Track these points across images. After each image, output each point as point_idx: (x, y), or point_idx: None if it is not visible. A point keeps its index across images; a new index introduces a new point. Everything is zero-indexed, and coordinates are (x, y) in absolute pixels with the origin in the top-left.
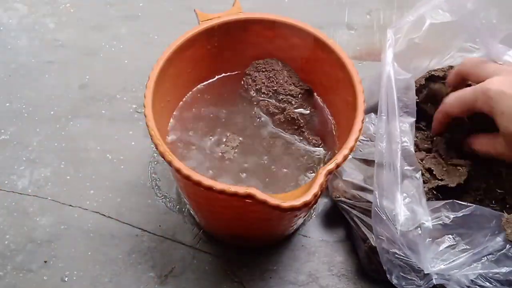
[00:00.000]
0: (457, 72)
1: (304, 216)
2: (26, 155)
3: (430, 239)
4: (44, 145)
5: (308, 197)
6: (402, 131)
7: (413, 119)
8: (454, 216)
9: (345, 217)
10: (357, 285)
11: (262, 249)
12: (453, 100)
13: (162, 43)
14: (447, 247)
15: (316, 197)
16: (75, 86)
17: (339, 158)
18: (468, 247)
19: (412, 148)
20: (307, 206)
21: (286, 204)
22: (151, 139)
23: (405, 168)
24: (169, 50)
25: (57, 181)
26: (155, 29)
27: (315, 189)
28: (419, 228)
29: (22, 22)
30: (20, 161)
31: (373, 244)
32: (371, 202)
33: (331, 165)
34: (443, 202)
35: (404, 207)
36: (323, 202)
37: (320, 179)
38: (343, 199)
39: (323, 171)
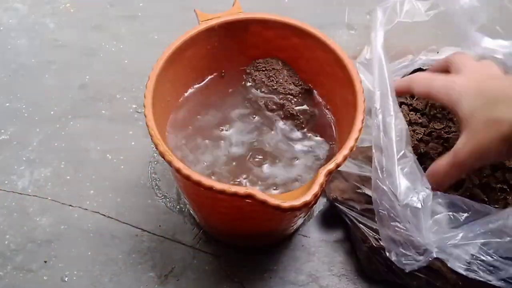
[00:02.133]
0: (445, 60)
1: (304, 216)
2: (26, 155)
3: (430, 212)
4: (44, 145)
5: (308, 197)
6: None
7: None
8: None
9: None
10: (357, 285)
11: (262, 249)
12: (422, 81)
13: (162, 43)
14: (446, 223)
15: (316, 197)
16: (75, 86)
17: (339, 158)
18: (466, 222)
19: (405, 125)
20: (307, 206)
21: (286, 204)
22: (151, 139)
23: (401, 146)
24: (169, 50)
25: (57, 181)
26: (155, 29)
27: (315, 189)
28: (418, 199)
29: (22, 22)
30: (20, 161)
31: (374, 245)
32: (370, 198)
33: (331, 165)
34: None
35: (404, 178)
36: (322, 202)
37: (320, 179)
38: (340, 198)
39: (323, 171)
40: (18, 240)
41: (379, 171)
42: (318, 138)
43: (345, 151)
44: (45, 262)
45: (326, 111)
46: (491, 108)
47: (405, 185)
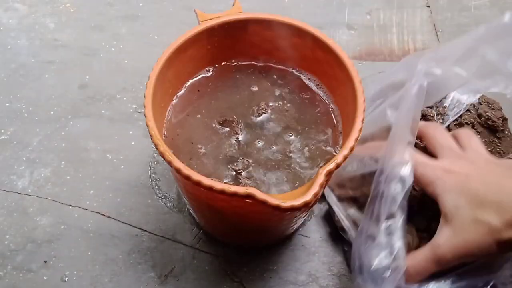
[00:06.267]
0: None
1: (304, 216)
2: (26, 155)
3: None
4: (44, 145)
5: (308, 197)
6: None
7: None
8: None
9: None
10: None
11: (262, 249)
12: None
13: (162, 43)
14: None
15: (316, 197)
16: (75, 86)
17: (339, 158)
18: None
19: (408, 183)
20: (307, 206)
21: (286, 204)
22: (151, 139)
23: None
24: (169, 50)
25: (57, 181)
26: (155, 29)
27: (315, 189)
28: (388, 270)
29: (22, 22)
30: (20, 161)
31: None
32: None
33: (331, 165)
34: None
35: (382, 244)
36: (323, 202)
37: (320, 179)
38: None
39: (323, 171)
40: (18, 240)
41: (364, 229)
42: (319, 137)
43: (345, 151)
44: (45, 262)
45: (333, 110)
46: (478, 209)
47: (382, 252)
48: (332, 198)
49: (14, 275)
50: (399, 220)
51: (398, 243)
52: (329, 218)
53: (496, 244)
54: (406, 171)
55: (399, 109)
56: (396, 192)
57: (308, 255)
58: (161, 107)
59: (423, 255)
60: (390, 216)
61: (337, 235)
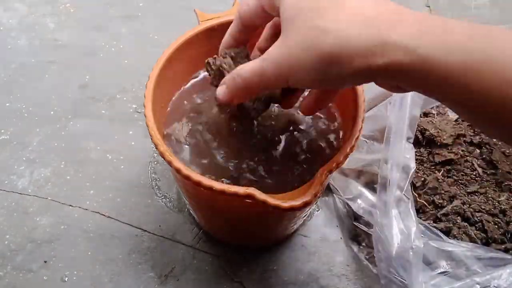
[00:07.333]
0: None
1: (304, 216)
2: (26, 155)
3: (423, 263)
4: (44, 145)
5: (308, 197)
6: (406, 149)
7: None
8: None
9: (343, 218)
10: (357, 285)
11: (262, 249)
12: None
13: (162, 43)
14: (440, 272)
15: (316, 197)
16: (75, 86)
17: (339, 157)
18: (462, 275)
19: (411, 168)
20: (307, 206)
21: (286, 204)
22: (151, 139)
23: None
24: (169, 50)
25: (57, 181)
26: (155, 29)
27: (315, 189)
28: (411, 251)
29: (22, 22)
30: (20, 161)
31: None
32: None
33: (331, 165)
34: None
35: (398, 230)
36: (323, 202)
37: (321, 179)
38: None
39: (324, 171)
40: (18, 240)
41: (379, 219)
42: (319, 137)
43: (345, 150)
44: (45, 262)
45: (333, 110)
46: (318, 14)
47: (400, 236)
48: (355, 186)
49: (14, 275)
50: (407, 204)
51: (412, 224)
52: (330, 218)
53: (318, 58)
54: (408, 160)
55: (401, 108)
56: (401, 179)
57: (308, 255)
58: (161, 107)
59: (250, 67)
60: (399, 201)
61: (337, 237)
